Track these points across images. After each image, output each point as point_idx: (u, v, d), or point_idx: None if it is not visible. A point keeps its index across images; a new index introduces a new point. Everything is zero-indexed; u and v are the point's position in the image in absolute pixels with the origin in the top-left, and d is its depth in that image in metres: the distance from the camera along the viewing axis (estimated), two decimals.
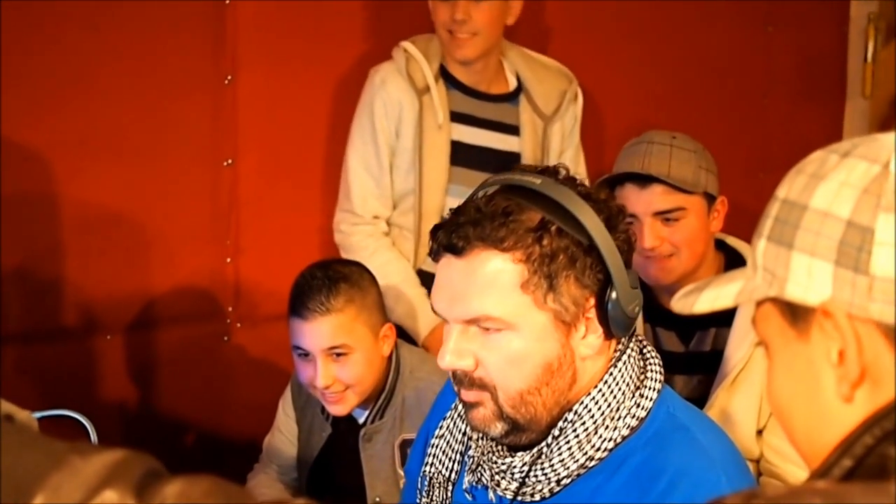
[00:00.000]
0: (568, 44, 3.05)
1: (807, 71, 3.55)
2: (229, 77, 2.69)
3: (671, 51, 3.28)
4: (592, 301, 1.34)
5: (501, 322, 1.33)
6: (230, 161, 2.72)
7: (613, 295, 1.33)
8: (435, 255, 1.37)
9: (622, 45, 3.19)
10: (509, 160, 2.62)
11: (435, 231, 1.37)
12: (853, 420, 0.83)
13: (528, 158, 2.64)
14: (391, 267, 2.53)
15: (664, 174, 2.11)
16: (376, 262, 2.39)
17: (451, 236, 1.33)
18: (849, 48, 3.59)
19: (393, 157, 2.60)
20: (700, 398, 2.13)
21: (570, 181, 1.36)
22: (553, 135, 2.69)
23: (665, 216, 2.13)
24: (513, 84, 2.69)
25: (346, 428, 2.20)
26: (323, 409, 2.20)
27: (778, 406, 0.92)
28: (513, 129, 2.66)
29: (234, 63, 2.69)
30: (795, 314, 0.87)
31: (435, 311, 1.41)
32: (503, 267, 1.32)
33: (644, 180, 2.13)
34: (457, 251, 1.34)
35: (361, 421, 2.17)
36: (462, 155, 2.60)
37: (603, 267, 1.33)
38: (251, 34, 2.71)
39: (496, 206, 1.33)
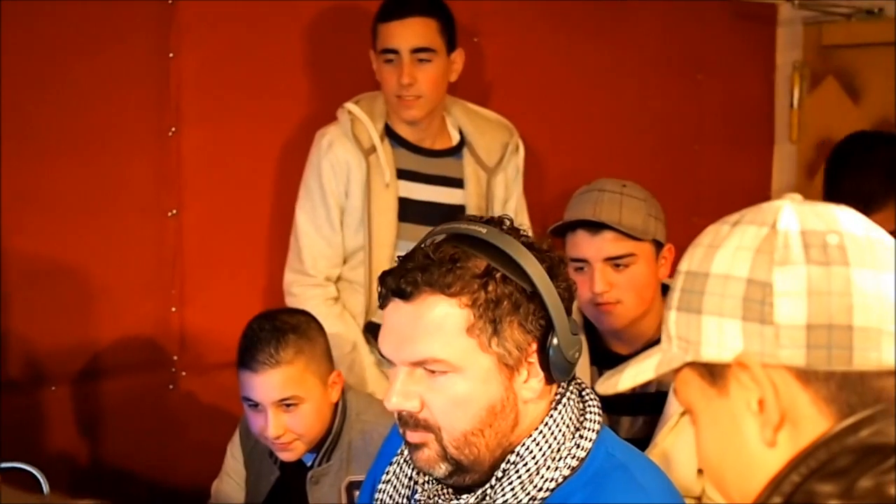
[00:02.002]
0: (508, 96, 3.13)
1: (736, 117, 3.67)
2: (173, 129, 2.72)
3: (606, 100, 3.38)
4: (535, 346, 1.40)
5: (447, 364, 1.37)
6: (174, 211, 2.74)
7: (555, 341, 1.38)
8: (383, 300, 1.42)
9: (560, 96, 3.29)
10: (455, 213, 2.65)
11: (384, 277, 1.41)
12: (779, 463, 0.90)
13: (472, 210, 2.70)
14: (342, 338, 2.57)
15: (615, 221, 2.18)
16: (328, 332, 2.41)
17: (400, 281, 1.38)
18: (776, 95, 3.73)
19: (342, 216, 2.65)
20: (645, 438, 2.18)
21: (514, 231, 1.42)
22: (496, 186, 2.76)
23: (616, 262, 2.20)
24: (456, 138, 2.76)
25: (293, 471, 2.22)
26: (271, 453, 2.22)
27: (709, 464, 0.98)
28: (457, 183, 2.73)
29: (178, 115, 2.73)
30: (713, 373, 0.94)
31: (381, 355, 1.45)
32: (450, 311, 1.37)
33: (596, 227, 2.19)
34: (405, 296, 1.38)
35: (309, 464, 2.20)
36: (409, 210, 2.66)
37: (545, 313, 1.38)
38: (195, 87, 2.74)
39: (444, 253, 1.38)
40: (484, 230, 1.39)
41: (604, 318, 2.23)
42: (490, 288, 1.36)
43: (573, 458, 1.42)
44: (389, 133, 2.67)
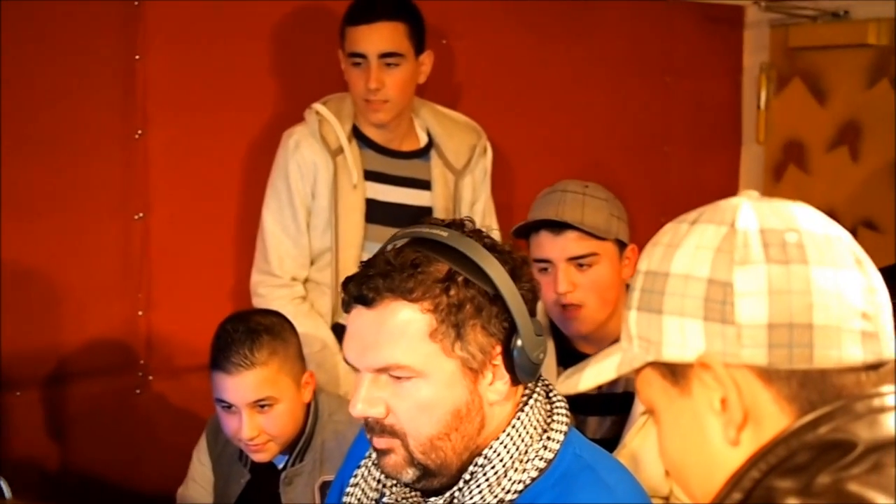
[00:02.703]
0: (476, 98, 3.14)
1: (704, 119, 3.69)
2: (140, 131, 2.71)
3: (575, 103, 3.39)
4: (499, 349, 1.39)
5: (411, 370, 1.37)
6: (141, 214, 2.72)
7: (519, 342, 1.38)
8: (346, 306, 1.41)
9: (528, 99, 3.30)
10: (422, 215, 2.67)
11: (346, 283, 1.41)
12: (742, 461, 0.90)
13: (440, 212, 2.70)
14: (311, 335, 2.56)
15: (578, 221, 2.19)
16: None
17: (362, 288, 1.38)
18: (743, 96, 3.75)
19: (309, 217, 2.64)
20: (613, 438, 2.19)
21: (477, 234, 1.42)
22: (464, 188, 2.76)
23: (579, 262, 2.21)
24: (423, 140, 2.75)
25: (265, 473, 2.21)
26: (241, 456, 2.21)
27: (672, 464, 0.98)
28: (425, 185, 2.72)
29: (145, 118, 2.71)
30: (675, 373, 0.94)
31: (346, 361, 1.45)
32: (412, 317, 1.36)
33: (558, 227, 2.20)
34: (367, 302, 1.38)
35: (281, 466, 2.19)
36: (376, 212, 2.65)
37: (508, 316, 1.38)
38: (162, 89, 2.73)
39: (405, 258, 1.37)
40: (445, 234, 1.39)
41: (569, 324, 2.24)
42: (452, 292, 1.36)
43: (541, 459, 1.42)
44: (357, 134, 2.67)
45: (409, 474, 1.41)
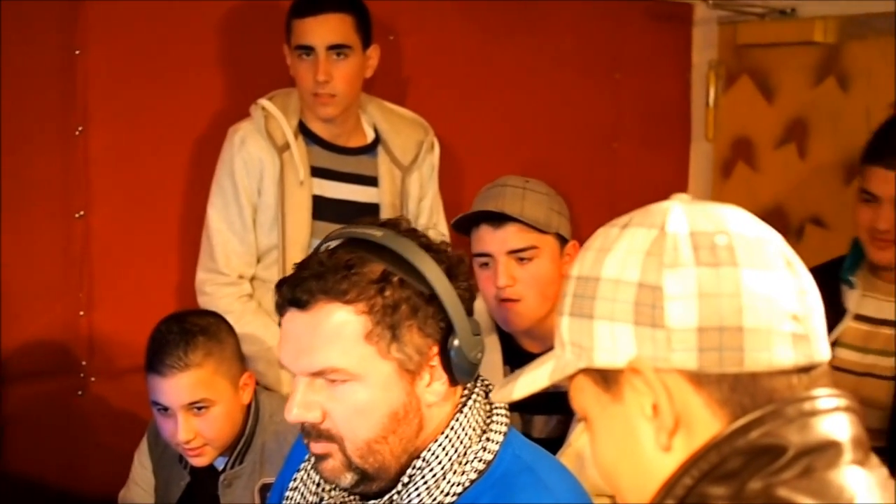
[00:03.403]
0: (424, 94, 3.11)
1: (653, 116, 3.70)
2: (80, 128, 2.65)
3: (524, 99, 3.38)
4: (436, 349, 1.38)
5: (346, 373, 1.35)
6: (82, 213, 2.67)
7: (455, 342, 1.37)
8: (280, 309, 1.39)
9: (477, 95, 3.28)
10: (369, 211, 2.66)
11: (280, 286, 1.39)
12: (675, 467, 0.89)
13: (386, 208, 2.68)
14: (259, 333, 2.53)
15: (517, 213, 2.18)
16: (244, 329, 2.37)
17: (295, 290, 1.35)
18: (692, 94, 3.76)
19: (255, 214, 2.60)
20: (559, 437, 2.18)
21: (412, 233, 1.40)
22: (411, 184, 2.74)
23: (519, 255, 2.20)
24: (370, 136, 2.73)
25: (205, 475, 2.18)
26: (181, 459, 2.19)
27: (605, 471, 0.97)
28: (372, 181, 2.70)
29: (86, 114, 2.66)
30: (607, 379, 0.93)
31: (282, 365, 1.42)
32: (346, 319, 1.34)
33: (498, 219, 2.19)
34: (301, 305, 1.35)
35: (221, 468, 2.16)
36: (323, 209, 2.63)
37: (445, 316, 1.36)
38: (103, 85, 2.67)
39: (339, 259, 1.35)
40: (379, 233, 1.37)
41: (507, 318, 2.23)
42: (387, 293, 1.34)
43: (480, 461, 1.41)
44: (304, 130, 2.64)
45: (348, 479, 1.40)
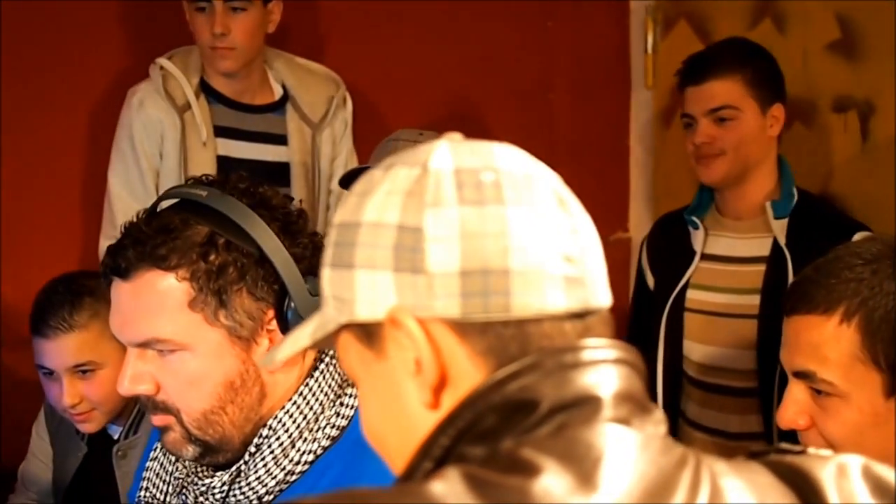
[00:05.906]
0: (340, 48, 3.00)
1: (590, 64, 3.58)
2: None
3: (451, 50, 3.26)
4: (272, 313, 1.30)
5: (173, 343, 1.28)
6: None
7: (292, 304, 1.29)
8: (105, 278, 1.31)
9: (399, 46, 3.16)
10: (279, 171, 2.59)
11: (106, 254, 1.31)
12: None
13: (297, 167, 2.61)
14: None
15: None
16: None
17: (116, 258, 1.28)
18: (630, 40, 3.65)
19: (158, 178, 2.52)
20: None
21: (243, 191, 1.31)
22: (323, 142, 2.66)
23: None
24: (278, 93, 2.65)
25: (101, 446, 2.12)
26: (78, 430, 2.12)
27: (372, 435, 0.89)
28: (281, 139, 2.62)
29: None
30: (370, 335, 0.84)
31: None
32: (168, 286, 1.27)
33: None
34: (122, 273, 1.28)
35: (116, 437, 2.10)
36: (231, 170, 2.50)
37: (278, 278, 1.29)
38: (1, 46, 2.58)
39: (160, 222, 1.28)
40: (204, 193, 1.29)
41: None
42: (211, 257, 1.27)
43: (333, 427, 1.33)
44: (206, 89, 2.55)
45: (190, 451, 1.33)
